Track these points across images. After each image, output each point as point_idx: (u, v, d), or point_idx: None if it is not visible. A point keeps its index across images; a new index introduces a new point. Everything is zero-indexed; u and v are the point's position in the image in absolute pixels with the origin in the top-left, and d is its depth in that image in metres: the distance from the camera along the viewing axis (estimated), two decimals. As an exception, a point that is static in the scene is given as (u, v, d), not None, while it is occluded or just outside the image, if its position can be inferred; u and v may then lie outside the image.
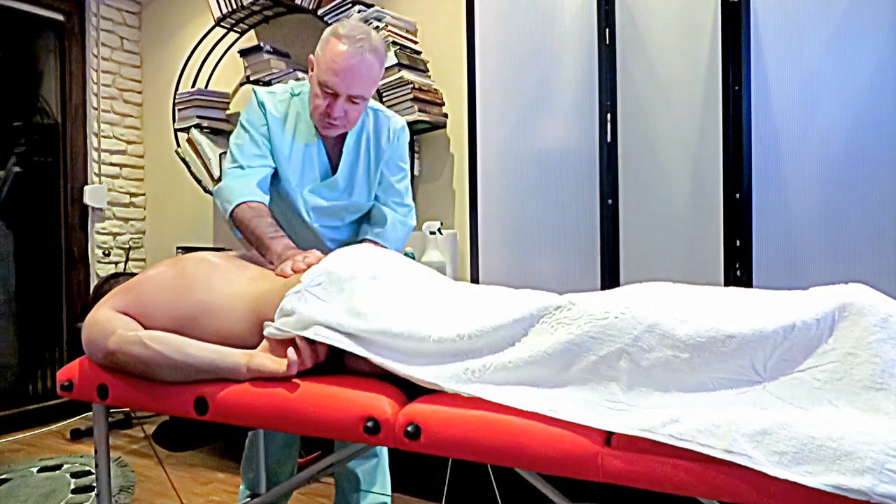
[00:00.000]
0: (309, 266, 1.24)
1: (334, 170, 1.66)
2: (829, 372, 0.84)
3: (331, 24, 2.62)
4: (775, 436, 0.77)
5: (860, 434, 0.75)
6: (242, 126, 1.62)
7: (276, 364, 1.11)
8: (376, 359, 1.06)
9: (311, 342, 1.11)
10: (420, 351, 1.06)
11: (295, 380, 1.10)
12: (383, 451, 1.86)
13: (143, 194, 3.82)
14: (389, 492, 1.86)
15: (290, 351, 1.09)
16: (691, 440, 0.80)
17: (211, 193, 3.22)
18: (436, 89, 2.63)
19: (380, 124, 1.68)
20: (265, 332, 1.14)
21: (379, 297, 1.13)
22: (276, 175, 1.63)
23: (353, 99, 1.51)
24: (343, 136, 1.64)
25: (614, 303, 0.96)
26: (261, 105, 1.62)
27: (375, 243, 1.65)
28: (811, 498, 0.74)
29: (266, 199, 1.56)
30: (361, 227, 1.78)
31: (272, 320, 1.15)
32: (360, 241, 1.69)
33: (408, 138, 1.75)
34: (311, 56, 1.54)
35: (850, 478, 0.71)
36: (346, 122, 1.56)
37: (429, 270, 1.29)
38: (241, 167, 1.57)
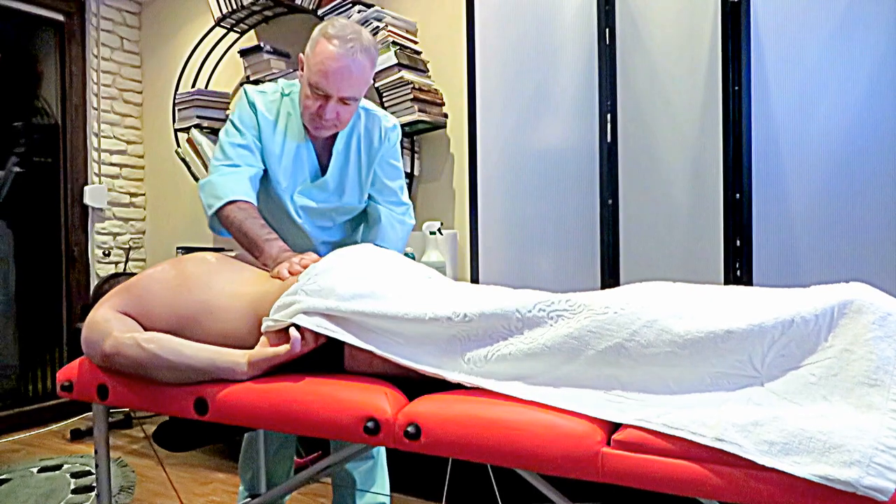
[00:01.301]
0: (305, 268, 1.24)
1: (324, 171, 1.64)
2: (825, 368, 0.84)
3: (331, 24, 2.62)
4: (766, 427, 0.79)
5: (851, 428, 0.76)
6: (233, 124, 1.59)
7: (277, 348, 1.11)
8: (377, 350, 1.06)
9: None
10: (416, 333, 1.06)
11: (295, 379, 1.10)
12: (381, 452, 1.86)
13: (143, 194, 3.82)
14: (388, 492, 1.86)
15: (293, 330, 1.09)
16: (683, 429, 0.82)
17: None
18: (436, 89, 2.63)
19: (371, 124, 1.66)
20: (263, 328, 1.14)
21: (375, 293, 1.12)
22: (265, 176, 1.61)
23: (344, 101, 1.49)
24: (334, 137, 1.62)
25: (614, 299, 0.97)
26: (252, 105, 1.59)
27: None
28: (800, 491, 0.74)
29: (254, 199, 1.54)
30: (357, 228, 1.77)
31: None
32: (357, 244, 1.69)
33: (399, 137, 1.73)
34: (300, 55, 1.52)
35: (837, 469, 0.72)
36: (338, 123, 1.54)
37: (428, 270, 1.29)
38: (232, 165, 1.55)
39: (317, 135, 1.59)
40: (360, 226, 1.77)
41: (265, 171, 1.60)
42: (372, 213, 1.72)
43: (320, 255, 1.58)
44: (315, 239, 1.69)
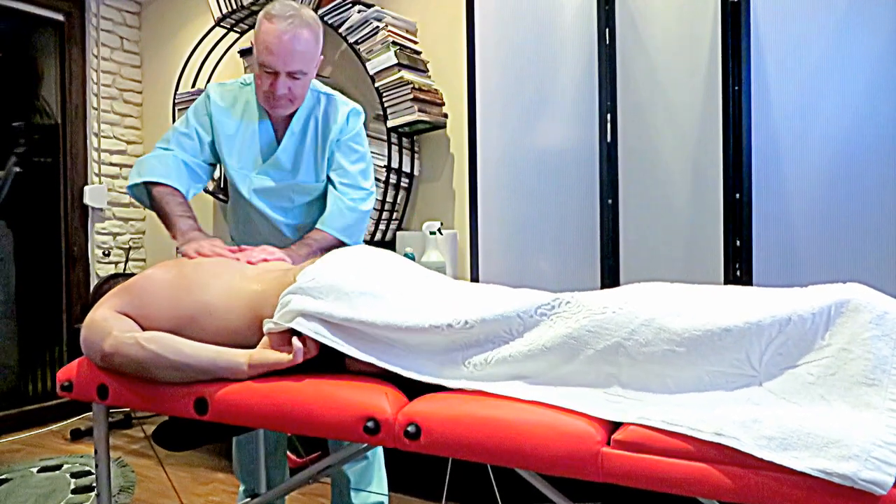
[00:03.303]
0: (265, 260, 1.34)
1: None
2: (822, 367, 0.85)
3: (331, 24, 2.63)
4: (765, 423, 0.79)
5: (849, 426, 0.76)
6: (186, 116, 1.70)
7: (278, 355, 1.11)
8: (377, 361, 1.06)
9: None
10: (416, 340, 1.06)
11: (295, 379, 1.10)
12: (377, 453, 1.86)
13: (143, 194, 3.82)
14: (386, 491, 1.86)
15: (295, 339, 1.09)
16: (682, 425, 0.82)
17: (211, 193, 3.22)
18: (436, 89, 2.63)
19: (331, 107, 1.71)
20: (265, 328, 1.14)
21: (374, 292, 1.12)
22: (221, 161, 1.69)
23: (293, 75, 1.55)
24: (291, 118, 1.67)
25: (612, 299, 0.97)
26: (207, 97, 1.69)
27: (320, 231, 1.66)
28: (799, 487, 0.75)
29: (180, 183, 1.61)
30: (318, 213, 1.78)
31: (271, 318, 1.15)
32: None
33: (362, 121, 1.76)
34: (251, 40, 1.57)
35: (836, 463, 0.72)
36: (293, 98, 1.60)
37: (426, 270, 1.29)
38: (166, 149, 1.65)
39: (274, 114, 1.65)
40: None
41: (217, 157, 1.69)
42: (327, 196, 1.74)
43: (286, 237, 1.70)
44: (276, 221, 1.73)
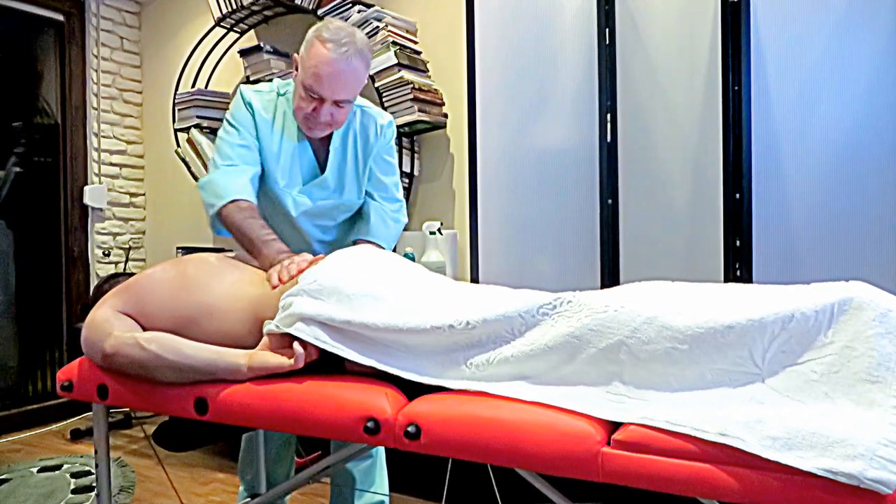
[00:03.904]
0: (300, 272, 1.24)
1: (322, 168, 1.65)
2: (826, 364, 0.84)
3: (331, 24, 2.62)
4: (769, 423, 0.79)
5: (853, 425, 0.76)
6: (231, 124, 1.60)
7: (279, 359, 1.11)
8: (378, 365, 1.06)
9: None
10: (417, 342, 1.06)
11: (295, 380, 1.10)
12: (380, 451, 1.86)
13: (143, 194, 3.82)
14: (387, 491, 1.86)
15: (297, 344, 1.09)
16: (686, 425, 0.82)
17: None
18: (436, 89, 2.63)
19: (367, 121, 1.68)
20: (265, 330, 1.14)
21: (375, 294, 1.12)
22: (263, 175, 1.61)
23: (338, 103, 1.50)
24: (329, 135, 1.63)
25: (614, 297, 0.97)
26: (248, 105, 1.60)
27: (368, 242, 1.64)
28: (804, 487, 0.75)
29: (255, 199, 1.54)
30: (352, 228, 1.77)
31: (272, 319, 1.15)
32: (351, 243, 1.69)
33: (394, 133, 1.75)
34: (295, 55, 1.54)
35: (841, 462, 0.72)
36: (332, 124, 1.55)
37: (427, 271, 1.29)
38: (231, 164, 1.55)
39: (311, 135, 1.59)
40: (355, 225, 1.78)
41: (263, 170, 1.60)
42: (364, 209, 1.73)
43: (315, 255, 1.59)
44: (312, 238, 1.69)
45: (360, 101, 1.68)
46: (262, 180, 1.61)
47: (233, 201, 1.49)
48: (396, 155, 1.77)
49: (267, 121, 1.59)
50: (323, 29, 1.47)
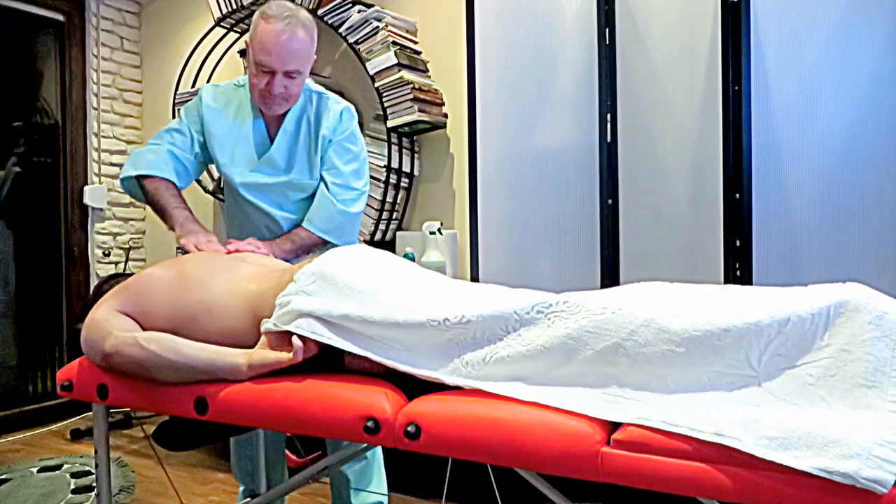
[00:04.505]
0: (250, 251, 1.41)
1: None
2: (822, 368, 0.84)
3: (331, 24, 2.63)
4: (765, 423, 0.79)
5: (849, 426, 0.76)
6: (179, 114, 1.75)
7: (278, 354, 1.11)
8: (374, 357, 1.06)
9: None
10: (413, 337, 1.06)
11: (295, 379, 1.10)
12: (376, 453, 1.86)
13: (143, 194, 3.82)
14: (385, 491, 1.86)
15: (296, 338, 1.09)
16: (682, 425, 0.82)
17: (211, 193, 3.22)
18: (436, 89, 2.63)
19: (322, 105, 1.73)
20: (263, 329, 1.14)
21: (373, 290, 1.12)
22: (212, 157, 1.73)
23: (289, 74, 1.58)
24: (283, 117, 1.69)
25: (611, 299, 0.97)
26: (199, 99, 1.73)
27: (305, 229, 1.69)
28: (800, 486, 0.75)
29: (173, 175, 1.67)
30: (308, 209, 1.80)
31: (269, 318, 1.15)
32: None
33: (355, 121, 1.77)
34: (245, 39, 1.59)
35: (837, 461, 0.72)
36: (287, 97, 1.62)
37: (424, 270, 1.29)
38: (157, 144, 1.70)
39: (269, 112, 1.67)
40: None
41: (207, 152, 1.73)
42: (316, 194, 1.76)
43: (284, 231, 1.71)
44: (273, 215, 1.74)
45: (319, 88, 1.76)
46: (214, 165, 1.74)
47: (148, 176, 1.65)
48: (362, 145, 1.79)
49: (216, 110, 1.71)
50: (266, 8, 1.57)
